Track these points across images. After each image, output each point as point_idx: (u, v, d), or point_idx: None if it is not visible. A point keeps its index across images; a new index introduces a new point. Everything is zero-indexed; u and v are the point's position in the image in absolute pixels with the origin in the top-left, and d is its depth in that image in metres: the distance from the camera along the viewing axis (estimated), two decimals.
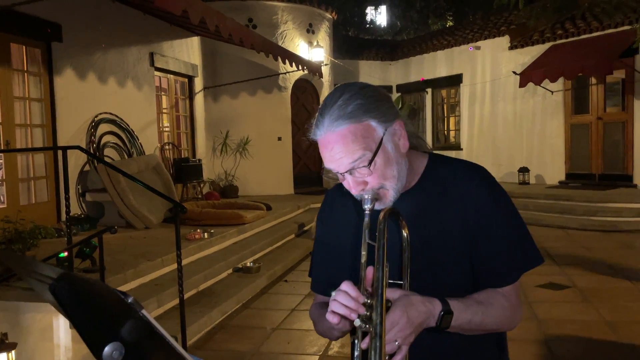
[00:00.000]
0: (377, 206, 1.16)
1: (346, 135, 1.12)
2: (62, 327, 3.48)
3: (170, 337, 0.76)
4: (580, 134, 10.51)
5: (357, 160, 1.12)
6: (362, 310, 1.02)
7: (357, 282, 1.07)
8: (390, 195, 1.18)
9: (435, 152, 1.33)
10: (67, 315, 0.91)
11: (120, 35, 7.27)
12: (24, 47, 5.96)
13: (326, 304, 1.11)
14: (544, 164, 11.06)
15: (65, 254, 3.67)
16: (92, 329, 0.86)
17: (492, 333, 1.27)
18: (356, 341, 1.05)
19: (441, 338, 1.18)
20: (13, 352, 2.99)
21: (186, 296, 4.32)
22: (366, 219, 1.12)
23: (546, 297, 5.00)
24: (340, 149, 1.12)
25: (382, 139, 1.14)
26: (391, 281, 1.12)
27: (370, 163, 1.13)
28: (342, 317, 1.04)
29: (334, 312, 1.05)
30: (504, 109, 11.73)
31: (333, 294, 1.07)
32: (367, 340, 1.00)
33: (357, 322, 1.01)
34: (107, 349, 0.76)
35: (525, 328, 4.22)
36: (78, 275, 0.88)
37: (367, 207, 1.14)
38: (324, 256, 1.37)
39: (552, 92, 10.56)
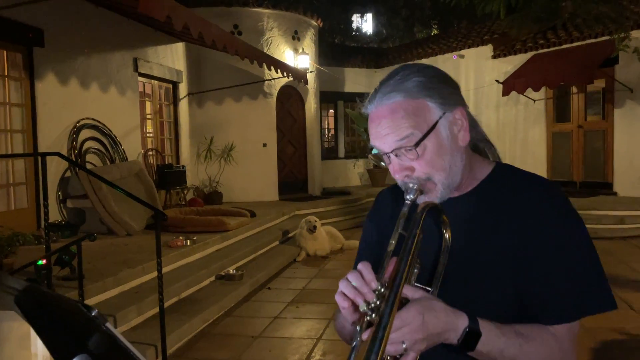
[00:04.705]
0: (421, 200, 1.04)
1: (396, 109, 1.02)
2: None
3: (136, 351, 0.76)
4: (561, 142, 10.66)
5: (404, 139, 1.01)
6: (371, 297, 0.87)
7: (377, 273, 0.93)
8: (439, 190, 1.04)
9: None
10: (33, 327, 0.91)
11: (103, 41, 7.22)
12: (4, 51, 5.89)
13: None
14: None
15: (44, 261, 3.62)
16: (57, 341, 0.86)
17: None
18: (358, 328, 0.89)
19: None
20: None
21: (167, 304, 4.29)
22: (404, 209, 0.99)
23: None
24: (387, 124, 1.02)
25: (436, 122, 1.02)
26: (417, 284, 0.99)
27: (417, 144, 1.00)
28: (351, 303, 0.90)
29: (342, 294, 0.91)
30: (487, 117, 11.84)
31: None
32: (369, 331, 0.85)
33: (363, 307, 0.87)
34: None
35: None
36: (43, 289, 0.87)
37: (409, 197, 1.02)
38: (362, 254, 1.23)
39: (535, 100, 10.70)
